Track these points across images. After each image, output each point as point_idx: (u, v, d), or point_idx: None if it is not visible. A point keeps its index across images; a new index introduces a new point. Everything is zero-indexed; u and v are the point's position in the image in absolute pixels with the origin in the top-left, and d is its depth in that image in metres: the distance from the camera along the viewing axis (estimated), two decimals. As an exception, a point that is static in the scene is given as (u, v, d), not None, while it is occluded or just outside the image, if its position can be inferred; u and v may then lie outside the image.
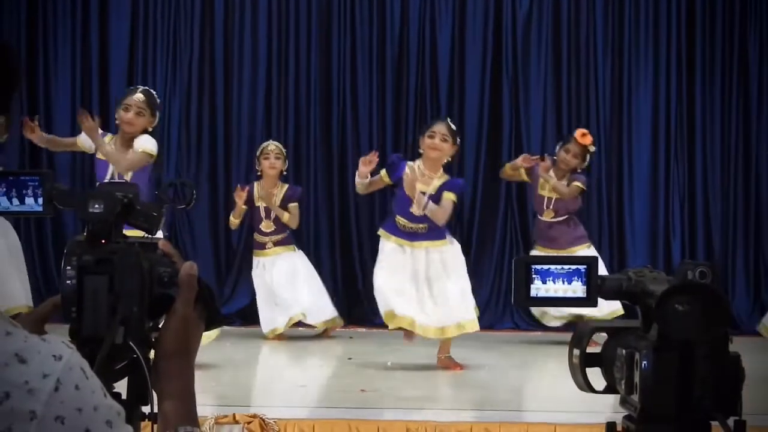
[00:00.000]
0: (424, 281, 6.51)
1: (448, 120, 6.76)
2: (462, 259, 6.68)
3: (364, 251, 8.61)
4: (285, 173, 7.96)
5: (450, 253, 6.60)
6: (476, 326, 6.64)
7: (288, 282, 7.82)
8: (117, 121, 6.47)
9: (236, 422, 4.91)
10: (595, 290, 1.61)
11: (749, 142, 8.87)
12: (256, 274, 7.95)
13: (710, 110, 8.93)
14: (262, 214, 7.84)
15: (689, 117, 8.92)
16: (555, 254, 7.45)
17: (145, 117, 6.35)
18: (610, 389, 1.67)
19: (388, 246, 6.62)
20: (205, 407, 4.88)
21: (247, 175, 8.48)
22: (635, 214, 8.87)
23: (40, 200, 1.54)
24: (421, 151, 6.58)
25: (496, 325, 8.55)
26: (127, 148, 6.30)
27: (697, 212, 8.89)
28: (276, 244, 7.89)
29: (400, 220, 6.55)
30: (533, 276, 1.61)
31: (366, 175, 6.50)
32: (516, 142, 8.83)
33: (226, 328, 7.39)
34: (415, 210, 6.46)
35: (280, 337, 7.74)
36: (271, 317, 7.75)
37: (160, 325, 1.51)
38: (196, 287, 1.50)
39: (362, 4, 8.88)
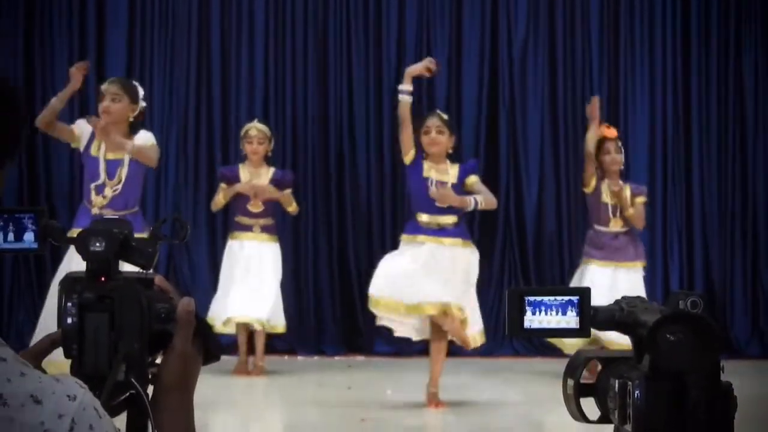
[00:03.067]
0: (438, 273, 6.26)
1: (438, 111, 6.75)
2: (477, 271, 6.57)
3: (363, 279, 8.59)
4: (270, 155, 7.66)
5: (473, 262, 6.49)
6: (481, 339, 6.56)
7: (264, 280, 7.43)
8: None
9: (236, 453, 4.91)
10: (588, 321, 1.62)
11: (746, 167, 8.91)
12: (230, 252, 7.49)
13: (706, 132, 8.97)
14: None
15: (686, 140, 8.96)
16: (615, 266, 7.21)
17: (123, 102, 6.13)
18: (604, 419, 1.68)
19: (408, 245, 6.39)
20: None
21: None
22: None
23: (36, 237, 1.54)
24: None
25: (496, 351, 8.54)
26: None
27: (695, 238, 8.90)
28: (263, 229, 7.51)
29: (423, 217, 6.38)
30: (526, 307, 1.62)
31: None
32: (514, 162, 8.84)
33: (224, 357, 7.38)
34: (440, 202, 6.33)
35: (255, 371, 7.48)
36: (238, 305, 7.31)
37: (158, 361, 1.53)
38: (194, 323, 1.52)
39: (358, 36, 8.92)
